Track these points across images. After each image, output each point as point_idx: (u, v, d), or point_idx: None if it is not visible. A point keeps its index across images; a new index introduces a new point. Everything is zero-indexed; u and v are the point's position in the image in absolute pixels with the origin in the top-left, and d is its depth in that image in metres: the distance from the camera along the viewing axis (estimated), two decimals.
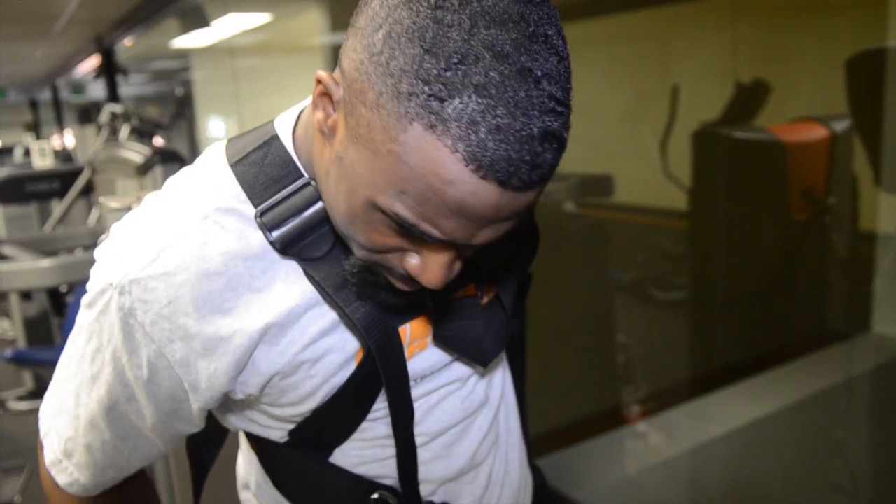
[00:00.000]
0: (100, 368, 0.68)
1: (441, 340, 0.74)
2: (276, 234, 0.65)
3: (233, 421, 0.79)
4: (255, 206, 0.66)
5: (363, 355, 0.70)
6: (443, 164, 0.50)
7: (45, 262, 2.15)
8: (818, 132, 2.11)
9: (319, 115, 0.59)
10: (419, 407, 0.77)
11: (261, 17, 4.69)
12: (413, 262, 0.59)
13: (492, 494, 0.87)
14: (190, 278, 0.64)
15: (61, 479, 0.76)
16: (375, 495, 0.78)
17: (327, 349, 0.69)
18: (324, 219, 0.66)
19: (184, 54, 7.81)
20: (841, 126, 2.11)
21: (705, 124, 2.87)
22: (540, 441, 2.18)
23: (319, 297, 0.68)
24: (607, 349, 2.82)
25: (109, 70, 4.91)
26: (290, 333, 0.67)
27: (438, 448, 0.80)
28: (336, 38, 6.57)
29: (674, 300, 3.46)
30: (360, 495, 0.78)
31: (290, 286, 0.67)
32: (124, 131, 3.04)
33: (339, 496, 0.78)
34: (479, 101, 0.48)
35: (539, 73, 0.50)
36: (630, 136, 4.26)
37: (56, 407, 0.74)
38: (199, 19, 4.08)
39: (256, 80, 6.96)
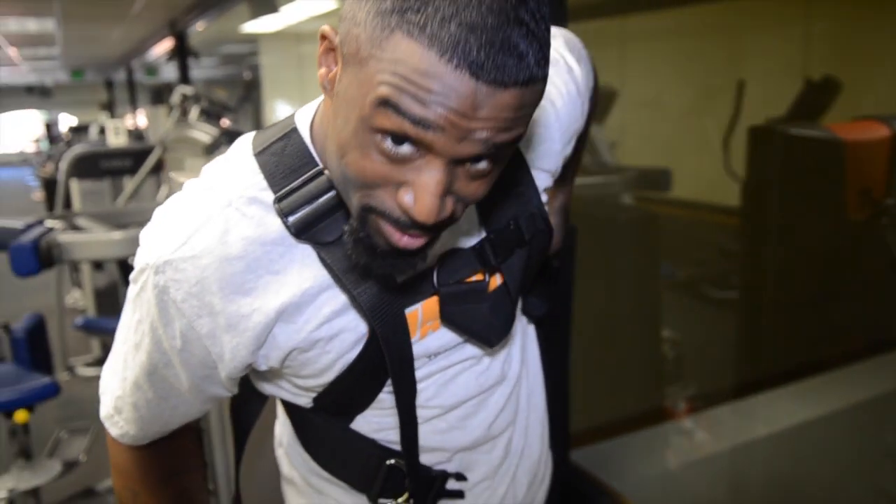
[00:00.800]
0: (141, 337, 0.76)
1: (448, 321, 0.79)
2: (291, 219, 0.70)
3: (265, 387, 0.87)
4: (274, 193, 0.71)
5: (370, 335, 0.76)
6: (421, 59, 0.54)
7: (117, 235, 2.26)
8: (879, 131, 2.06)
9: (322, 71, 0.64)
10: (435, 381, 0.83)
11: (327, 4, 4.77)
12: (405, 196, 0.61)
13: (509, 465, 0.92)
14: (214, 261, 0.70)
15: (113, 431, 0.86)
16: (391, 461, 0.85)
17: (341, 328, 0.75)
18: (336, 206, 0.71)
19: (252, 39, 7.99)
20: None
21: (770, 121, 2.82)
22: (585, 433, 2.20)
23: (332, 281, 0.73)
24: (656, 345, 2.81)
25: (182, 53, 5.07)
26: (307, 313, 0.73)
27: (454, 420, 0.86)
28: None
29: (728, 299, 3.41)
30: (376, 459, 0.85)
31: (305, 269, 0.73)
32: (194, 112, 3.15)
33: (358, 459, 0.86)
34: (450, 7, 0.53)
35: None
36: (695, 130, 4.20)
37: (110, 369, 0.84)
38: (267, 4, 4.19)
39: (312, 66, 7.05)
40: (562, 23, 1.67)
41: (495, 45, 0.54)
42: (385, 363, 0.77)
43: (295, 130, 0.75)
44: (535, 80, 0.57)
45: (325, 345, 0.76)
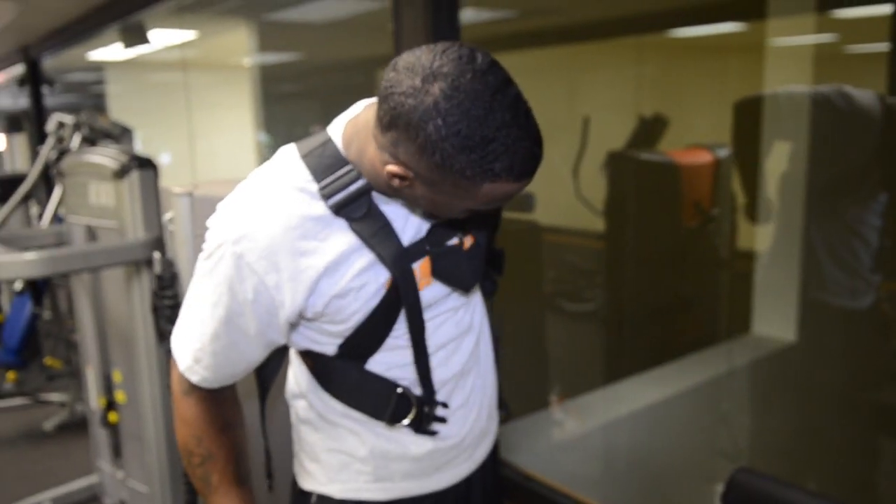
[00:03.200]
0: (219, 296, 1.05)
1: (437, 275, 1.11)
2: (331, 201, 1.02)
3: (298, 341, 1.14)
4: (318, 182, 1.03)
5: (390, 284, 1.06)
6: (505, 187, 0.90)
7: None
8: (705, 157, 2.56)
9: (396, 182, 0.94)
10: (429, 325, 1.13)
11: (176, 36, 4.83)
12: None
13: (475, 397, 1.24)
14: (279, 231, 1.00)
15: (194, 377, 1.11)
16: (399, 390, 1.14)
17: (367, 280, 1.05)
18: (363, 191, 1.02)
19: (98, 67, 7.72)
20: (722, 153, 2.56)
21: (612, 152, 3.28)
22: None
23: (360, 245, 1.03)
24: (523, 351, 3.15)
25: (35, 80, 4.91)
26: (343, 268, 1.03)
27: (441, 357, 1.17)
28: (240, 57, 6.65)
29: (581, 311, 3.86)
30: (388, 390, 1.14)
31: (341, 237, 1.03)
32: (76, 140, 3.16)
33: (373, 392, 1.14)
34: (509, 156, 0.87)
35: (515, 108, 0.87)
36: (544, 162, 4.65)
37: (186, 330, 1.10)
38: (138, 34, 4.20)
39: (169, 95, 6.98)
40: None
41: (536, 156, 0.90)
42: (396, 309, 1.08)
43: (330, 140, 1.06)
44: None
45: (356, 293, 1.05)
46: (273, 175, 1.06)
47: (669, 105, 3.48)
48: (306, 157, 1.05)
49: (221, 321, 1.05)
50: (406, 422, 1.15)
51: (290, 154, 1.07)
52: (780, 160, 2.17)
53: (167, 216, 1.45)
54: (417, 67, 0.86)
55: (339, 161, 1.03)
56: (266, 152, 6.08)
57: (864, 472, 2.20)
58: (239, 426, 1.22)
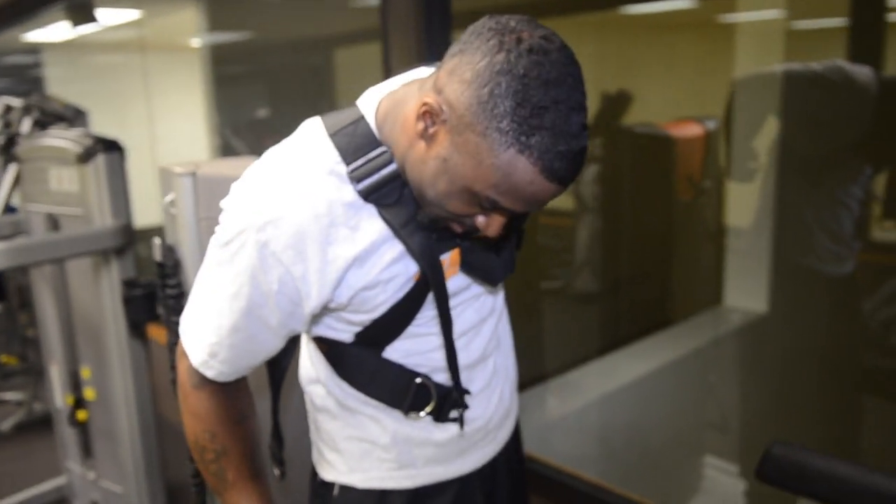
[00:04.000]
0: (240, 287, 0.95)
1: (467, 268, 1.05)
2: (361, 185, 0.93)
3: (315, 329, 1.07)
4: (347, 164, 0.93)
5: (419, 276, 0.98)
6: (528, 172, 0.80)
7: None
8: (697, 129, 2.55)
9: (421, 125, 0.86)
10: (451, 314, 1.05)
11: (122, 15, 4.63)
12: (481, 220, 0.90)
13: (497, 379, 1.18)
14: (306, 218, 0.91)
15: (210, 372, 1.03)
16: (418, 380, 1.07)
17: (397, 273, 0.98)
18: (395, 176, 0.93)
19: (36, 49, 7.36)
20: (711, 125, 2.55)
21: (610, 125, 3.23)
22: None
23: (390, 234, 0.95)
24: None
25: None
26: (372, 259, 0.95)
27: (462, 344, 1.10)
28: (185, 38, 6.45)
29: (552, 288, 3.83)
30: (406, 379, 1.07)
31: (372, 224, 0.95)
32: (25, 124, 2.98)
33: (390, 380, 1.07)
34: (551, 138, 0.79)
35: (577, 107, 0.80)
36: None
37: (197, 325, 1.01)
38: (85, 13, 3.99)
39: (114, 77, 6.70)
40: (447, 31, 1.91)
41: (574, 163, 0.82)
42: (421, 300, 1.01)
43: (362, 118, 0.97)
44: None
45: (384, 285, 0.98)
46: (298, 154, 0.96)
47: (629, 82, 3.47)
48: (335, 135, 0.96)
49: (242, 313, 0.97)
50: (423, 413, 1.09)
51: (316, 131, 0.98)
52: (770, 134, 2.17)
53: (168, 198, 1.35)
54: (506, 26, 0.81)
55: (371, 142, 0.95)
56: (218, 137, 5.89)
57: (848, 433, 2.24)
58: (252, 417, 1.14)
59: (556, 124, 0.78)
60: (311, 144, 0.96)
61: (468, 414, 1.13)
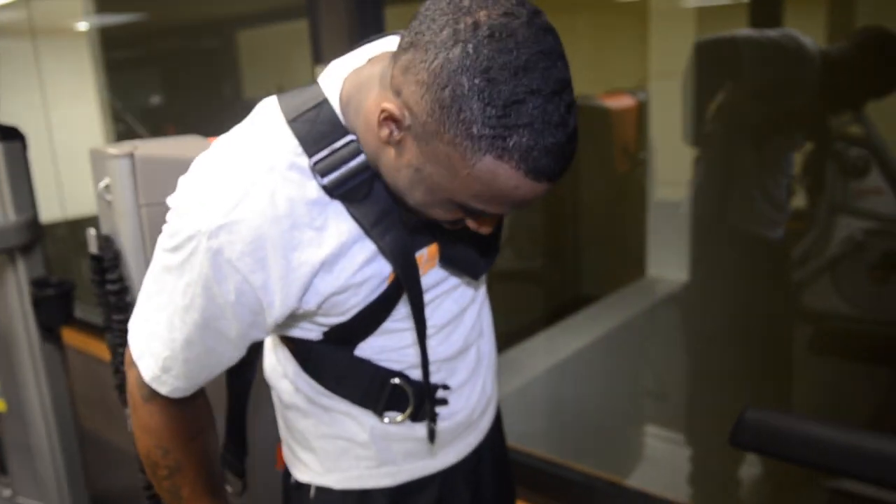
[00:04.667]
0: (192, 299, 0.84)
1: (446, 262, 0.97)
2: (326, 180, 0.82)
3: (279, 329, 0.97)
4: (309, 156, 0.82)
5: (394, 277, 0.90)
6: (511, 178, 0.71)
7: None
8: (629, 101, 2.56)
9: (385, 132, 0.76)
10: (429, 307, 0.98)
11: None
12: (470, 223, 0.84)
13: (479, 369, 1.11)
14: (265, 221, 0.80)
15: (163, 388, 0.93)
16: (396, 380, 0.99)
17: (370, 275, 0.89)
18: (364, 168, 0.83)
19: None
20: (642, 96, 2.57)
21: None
22: None
23: (361, 233, 0.86)
24: None
25: None
26: (342, 263, 0.86)
27: (441, 336, 1.02)
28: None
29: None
30: (379, 380, 0.99)
31: (340, 224, 0.85)
32: None
33: (362, 380, 0.99)
34: (531, 134, 0.69)
35: (559, 90, 0.70)
36: None
37: (147, 335, 0.91)
38: None
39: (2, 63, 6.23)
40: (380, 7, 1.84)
41: (564, 157, 0.72)
42: (396, 298, 0.93)
43: (326, 102, 0.85)
44: None
45: (357, 288, 0.88)
46: (253, 145, 0.84)
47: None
48: (294, 122, 0.84)
49: (196, 326, 0.86)
50: (400, 417, 1.01)
51: (272, 116, 0.86)
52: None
53: (102, 184, 1.22)
54: (459, 6, 0.70)
55: (336, 129, 0.83)
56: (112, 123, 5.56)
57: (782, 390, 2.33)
58: (210, 429, 1.05)
59: (535, 117, 0.68)
60: (266, 133, 0.84)
61: (450, 408, 1.06)
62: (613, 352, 2.77)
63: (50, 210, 3.88)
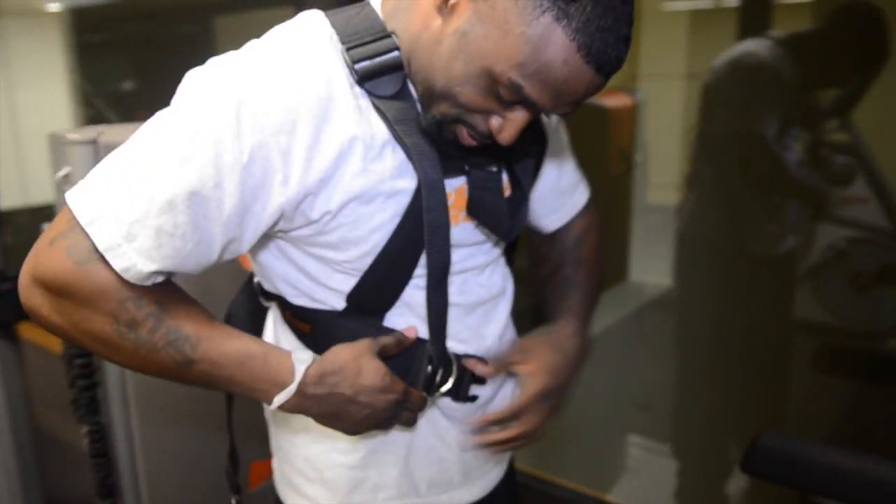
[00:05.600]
0: (195, 150, 0.73)
1: (474, 209, 0.87)
2: (359, 66, 0.78)
3: (293, 296, 0.88)
4: (343, 44, 0.79)
5: (416, 190, 0.81)
6: (562, 46, 0.68)
7: None
8: (626, 100, 2.48)
9: (438, 1, 0.74)
10: (455, 280, 0.90)
11: None
12: (495, 122, 0.76)
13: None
14: (303, 90, 0.75)
15: (118, 263, 0.73)
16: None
17: (400, 189, 0.81)
18: (398, 66, 0.80)
19: None
20: (639, 95, 2.50)
21: None
22: None
23: (392, 137, 0.80)
24: None
25: None
26: (374, 159, 0.79)
27: (473, 326, 0.93)
28: None
29: None
30: (419, 351, 0.88)
31: (370, 115, 0.79)
32: None
33: (400, 356, 0.88)
34: (594, 7, 0.67)
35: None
36: None
37: (114, 192, 0.73)
38: None
39: None
40: None
41: (617, 47, 0.69)
42: (419, 243, 0.83)
43: (368, 4, 0.84)
44: None
45: (384, 200, 0.80)
46: (292, 32, 0.80)
47: None
48: (332, 15, 0.82)
49: (189, 187, 0.72)
50: (448, 385, 0.90)
51: (313, 14, 0.83)
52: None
53: (61, 173, 1.10)
54: None
55: (375, 25, 0.81)
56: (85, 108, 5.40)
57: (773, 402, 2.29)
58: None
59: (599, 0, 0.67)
60: (306, 25, 0.81)
61: (483, 391, 0.95)
62: (593, 357, 2.69)
63: (10, 196, 3.71)
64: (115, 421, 1.32)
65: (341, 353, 0.82)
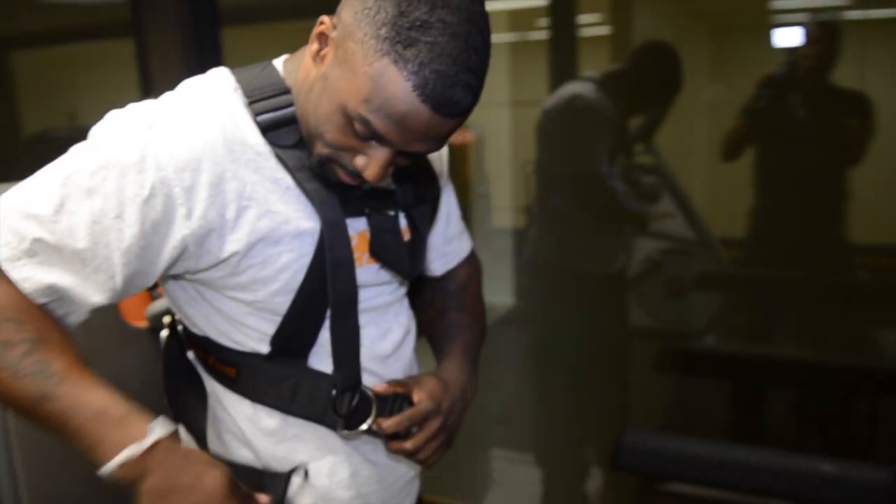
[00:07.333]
0: (100, 182, 0.79)
1: (376, 251, 0.94)
2: (260, 118, 0.86)
3: (215, 334, 0.92)
4: (246, 97, 0.86)
5: (320, 235, 0.87)
6: (398, 86, 0.75)
7: None
8: (466, 135, 2.63)
9: (315, 46, 0.83)
10: (364, 316, 0.95)
11: None
12: (360, 160, 0.83)
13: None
14: (208, 132, 0.82)
15: (15, 273, 0.78)
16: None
17: (305, 230, 0.87)
18: (294, 118, 0.87)
19: None
20: (477, 132, 2.65)
21: None
22: None
23: (293, 183, 0.86)
24: None
25: None
26: (278, 203, 0.86)
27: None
28: None
29: None
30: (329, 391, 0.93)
31: (274, 163, 0.86)
32: None
33: (318, 394, 0.93)
34: (429, 53, 0.74)
35: (472, 45, 0.76)
36: None
37: (21, 213, 0.79)
38: None
39: None
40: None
41: (454, 89, 0.76)
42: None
43: (270, 64, 0.92)
44: (468, 113, 0.81)
45: (289, 242, 0.86)
46: (198, 85, 0.88)
47: None
48: (239, 73, 0.90)
49: (91, 216, 0.78)
50: (365, 426, 0.93)
51: (219, 70, 0.91)
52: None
53: None
54: None
55: (276, 82, 0.89)
56: None
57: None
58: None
59: (438, 44, 0.74)
60: (211, 78, 0.89)
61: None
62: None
63: None
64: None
65: (196, 452, 0.86)
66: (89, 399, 0.76)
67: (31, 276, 0.77)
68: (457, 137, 2.53)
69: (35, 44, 4.40)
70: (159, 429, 0.77)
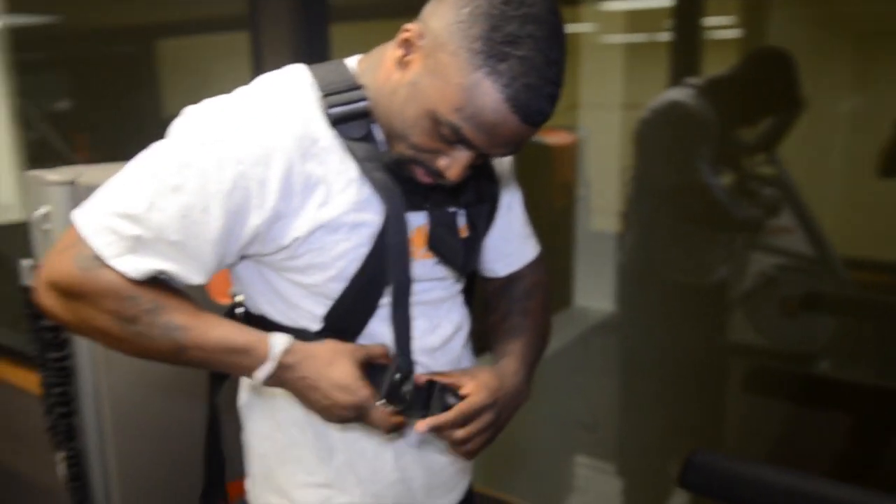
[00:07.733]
0: (184, 180, 0.85)
1: (434, 244, 0.97)
2: (332, 110, 0.90)
3: (271, 310, 0.98)
4: (321, 91, 0.92)
5: (382, 226, 0.92)
6: (491, 97, 0.81)
7: None
8: (568, 137, 2.61)
9: (399, 52, 0.87)
10: (417, 308, 0.98)
11: None
12: (443, 161, 0.89)
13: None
14: (278, 129, 0.87)
15: (122, 266, 0.86)
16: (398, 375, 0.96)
17: (363, 221, 0.92)
18: (365, 113, 0.92)
19: None
20: (581, 133, 2.62)
21: None
22: None
23: (359, 175, 0.91)
24: None
25: None
26: (339, 195, 0.90)
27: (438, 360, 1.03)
28: None
29: None
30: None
31: (340, 154, 0.91)
32: None
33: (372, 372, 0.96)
34: (520, 67, 0.80)
35: (554, 59, 0.82)
36: None
37: (116, 213, 0.86)
38: None
39: None
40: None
41: (540, 100, 0.82)
42: (387, 269, 0.93)
43: (343, 62, 0.97)
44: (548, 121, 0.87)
45: (348, 232, 0.91)
46: (273, 81, 0.93)
47: None
48: (315, 69, 0.95)
49: (180, 212, 0.85)
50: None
51: (296, 66, 0.96)
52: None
53: (40, 212, 1.14)
54: None
55: (348, 79, 0.94)
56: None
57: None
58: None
59: (529, 57, 0.79)
60: (287, 73, 0.94)
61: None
62: (541, 380, 2.78)
63: None
64: (91, 447, 1.34)
65: (323, 345, 0.93)
66: (213, 338, 0.90)
67: (137, 266, 0.87)
68: (558, 138, 2.52)
69: (180, 32, 4.73)
70: (278, 345, 0.90)
